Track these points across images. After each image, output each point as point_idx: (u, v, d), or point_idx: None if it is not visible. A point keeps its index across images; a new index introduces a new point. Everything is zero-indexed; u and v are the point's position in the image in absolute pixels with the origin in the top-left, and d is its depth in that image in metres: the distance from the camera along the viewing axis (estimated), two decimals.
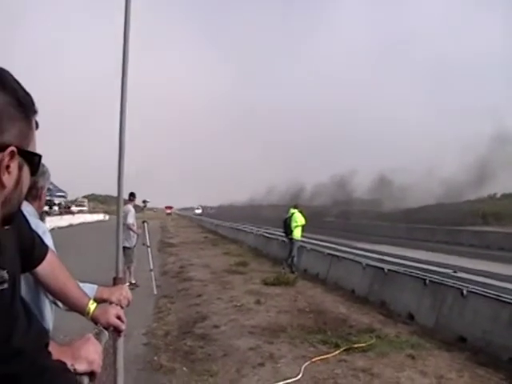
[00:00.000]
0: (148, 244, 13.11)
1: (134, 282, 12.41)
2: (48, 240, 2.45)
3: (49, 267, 2.09)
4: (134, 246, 12.73)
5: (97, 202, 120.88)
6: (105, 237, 15.01)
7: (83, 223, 55.39)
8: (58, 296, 2.18)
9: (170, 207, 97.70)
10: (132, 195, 12.88)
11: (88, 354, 1.60)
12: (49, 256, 2.11)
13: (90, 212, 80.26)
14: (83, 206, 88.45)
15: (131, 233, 12.46)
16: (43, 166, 2.61)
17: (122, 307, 2.37)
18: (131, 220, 12.47)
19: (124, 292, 2.48)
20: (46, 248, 2.13)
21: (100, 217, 73.53)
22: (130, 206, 12.60)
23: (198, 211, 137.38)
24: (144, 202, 18.76)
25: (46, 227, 2.52)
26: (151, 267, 12.52)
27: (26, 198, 2.43)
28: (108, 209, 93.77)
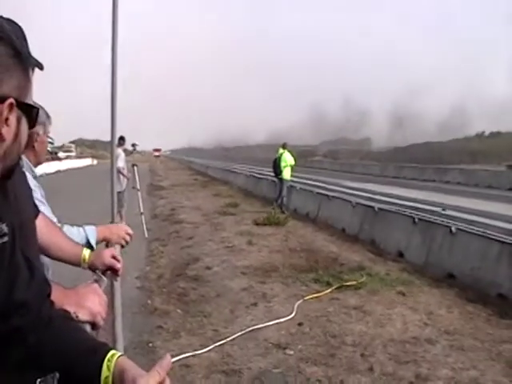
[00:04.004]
0: (138, 187, 13.06)
1: None
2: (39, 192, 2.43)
3: (41, 222, 2.05)
4: (124, 190, 12.64)
5: (84, 147, 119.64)
6: (93, 182, 14.94)
7: (71, 169, 54.97)
8: (50, 250, 2.15)
9: (159, 150, 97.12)
10: (122, 139, 12.68)
11: (93, 306, 1.57)
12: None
13: (77, 157, 79.59)
14: (71, 151, 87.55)
15: (121, 177, 12.33)
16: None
17: (126, 242, 2.47)
18: (121, 164, 12.31)
19: (124, 227, 2.52)
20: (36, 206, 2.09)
21: (88, 162, 73.00)
22: (119, 150, 12.43)
23: (168, 153, 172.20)
24: (133, 145, 18.58)
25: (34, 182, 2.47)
26: (141, 211, 12.50)
27: None
28: (96, 153, 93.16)
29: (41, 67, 1.09)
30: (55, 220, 2.44)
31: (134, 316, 6.39)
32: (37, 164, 2.59)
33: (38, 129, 2.50)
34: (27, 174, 2.36)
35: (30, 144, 2.51)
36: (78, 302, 1.53)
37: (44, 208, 2.43)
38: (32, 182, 2.35)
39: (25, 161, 2.42)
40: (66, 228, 2.42)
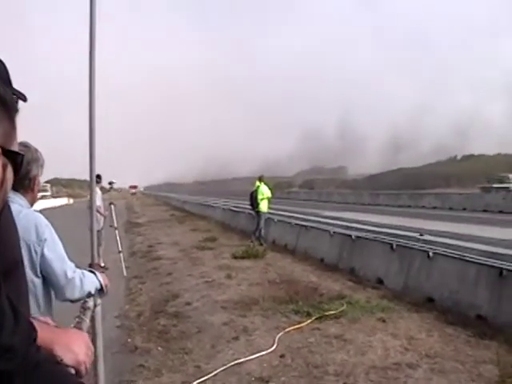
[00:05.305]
0: (116, 226, 12.98)
1: (103, 265, 12.26)
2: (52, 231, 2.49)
3: None
4: (102, 229, 12.59)
5: (60, 186, 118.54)
6: (70, 221, 14.79)
7: (46, 209, 54.31)
8: None
9: (135, 186, 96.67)
10: (98, 177, 12.66)
11: (80, 353, 1.56)
12: None
13: (53, 197, 78.85)
14: (46, 191, 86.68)
15: (98, 215, 12.29)
16: (36, 151, 2.56)
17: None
18: (98, 202, 12.29)
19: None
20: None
21: (64, 201, 72.47)
22: (96, 189, 12.40)
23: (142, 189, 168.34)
24: (110, 183, 18.53)
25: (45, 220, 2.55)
26: (120, 249, 12.40)
27: (18, 190, 2.43)
28: (72, 192, 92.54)
29: (24, 99, 1.10)
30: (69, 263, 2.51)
31: (115, 356, 6.29)
32: (32, 204, 2.64)
33: (38, 171, 2.56)
34: (38, 214, 2.47)
35: (30, 187, 2.57)
36: (66, 344, 1.53)
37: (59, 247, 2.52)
38: (43, 222, 2.48)
39: (23, 201, 2.49)
40: (81, 271, 2.50)
